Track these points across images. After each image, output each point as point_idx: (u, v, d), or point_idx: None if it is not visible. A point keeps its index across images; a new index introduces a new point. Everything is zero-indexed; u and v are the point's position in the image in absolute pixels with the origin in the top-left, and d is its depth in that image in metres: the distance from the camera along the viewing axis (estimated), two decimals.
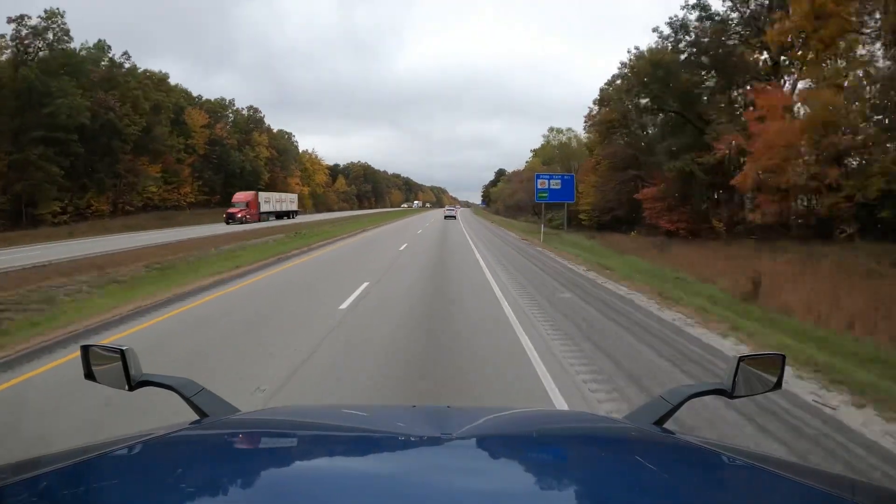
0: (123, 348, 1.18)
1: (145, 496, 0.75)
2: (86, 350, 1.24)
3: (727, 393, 1.18)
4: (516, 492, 0.80)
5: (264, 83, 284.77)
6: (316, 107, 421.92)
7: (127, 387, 1.18)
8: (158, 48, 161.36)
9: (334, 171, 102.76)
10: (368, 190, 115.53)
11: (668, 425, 1.18)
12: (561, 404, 4.04)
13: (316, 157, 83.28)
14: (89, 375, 1.23)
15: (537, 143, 60.77)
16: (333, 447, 1.02)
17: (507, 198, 69.80)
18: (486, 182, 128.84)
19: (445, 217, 51.81)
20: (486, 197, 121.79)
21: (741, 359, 1.18)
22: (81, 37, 49.17)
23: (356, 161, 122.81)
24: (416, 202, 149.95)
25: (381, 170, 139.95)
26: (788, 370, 3.88)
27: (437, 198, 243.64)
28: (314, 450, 1.01)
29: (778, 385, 1.22)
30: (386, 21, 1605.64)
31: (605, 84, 32.03)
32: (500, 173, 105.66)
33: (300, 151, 74.59)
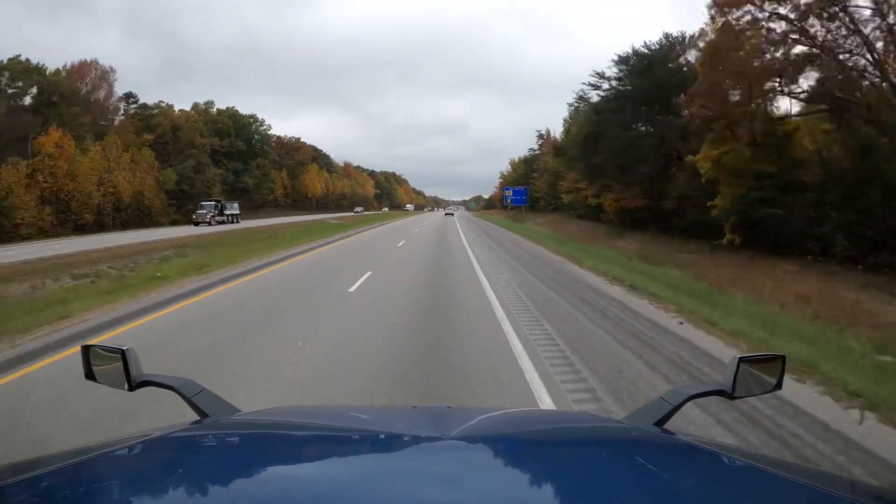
0: (124, 348, 1.17)
1: (145, 497, 0.75)
2: (86, 350, 1.22)
3: (728, 394, 1.19)
4: (515, 492, 0.81)
5: (141, 42, 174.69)
6: (223, 77, 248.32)
7: (127, 387, 1.16)
8: None
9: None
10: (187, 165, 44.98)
11: (668, 426, 1.19)
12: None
13: None
14: (90, 375, 1.22)
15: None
16: (333, 447, 1.02)
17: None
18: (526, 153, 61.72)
19: (446, 215, 63.89)
20: (530, 173, 56.67)
21: (741, 360, 1.18)
22: None
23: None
24: None
25: (250, 115, 59.27)
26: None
27: (386, 192, 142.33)
28: (314, 450, 1.01)
29: (778, 385, 1.22)
30: None
31: None
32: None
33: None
